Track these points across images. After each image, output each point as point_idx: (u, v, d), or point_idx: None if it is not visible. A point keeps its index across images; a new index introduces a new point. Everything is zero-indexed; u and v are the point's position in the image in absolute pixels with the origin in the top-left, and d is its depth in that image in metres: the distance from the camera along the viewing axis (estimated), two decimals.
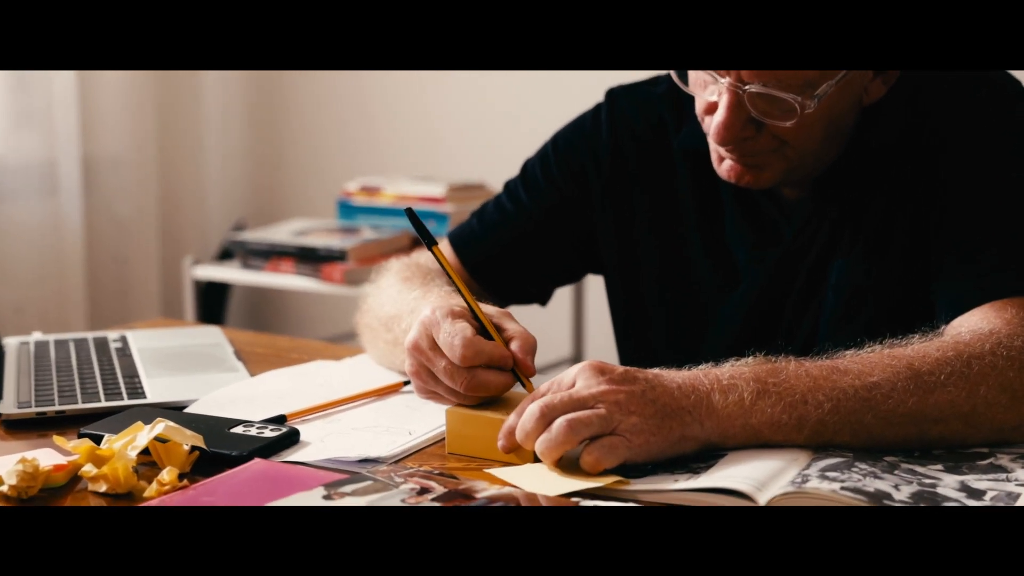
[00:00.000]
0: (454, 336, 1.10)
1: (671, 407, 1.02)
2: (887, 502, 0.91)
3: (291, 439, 1.13)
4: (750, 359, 1.09)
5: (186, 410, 1.24)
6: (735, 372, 1.06)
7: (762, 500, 0.93)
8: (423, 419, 1.20)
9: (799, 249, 1.34)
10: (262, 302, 3.72)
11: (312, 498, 0.93)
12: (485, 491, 0.96)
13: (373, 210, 2.81)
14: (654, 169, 1.44)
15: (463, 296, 1.16)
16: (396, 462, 1.08)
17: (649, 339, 1.48)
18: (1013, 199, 1.24)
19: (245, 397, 1.28)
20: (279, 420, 1.18)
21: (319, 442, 1.14)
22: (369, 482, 0.98)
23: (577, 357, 2.97)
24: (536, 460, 1.05)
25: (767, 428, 1.04)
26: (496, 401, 1.12)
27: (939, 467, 1.02)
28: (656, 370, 1.07)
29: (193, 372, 1.39)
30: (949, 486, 0.97)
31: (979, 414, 1.06)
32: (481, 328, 1.14)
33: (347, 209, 2.87)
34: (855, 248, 1.31)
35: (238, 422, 1.15)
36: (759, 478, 0.96)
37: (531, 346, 1.13)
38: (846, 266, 1.32)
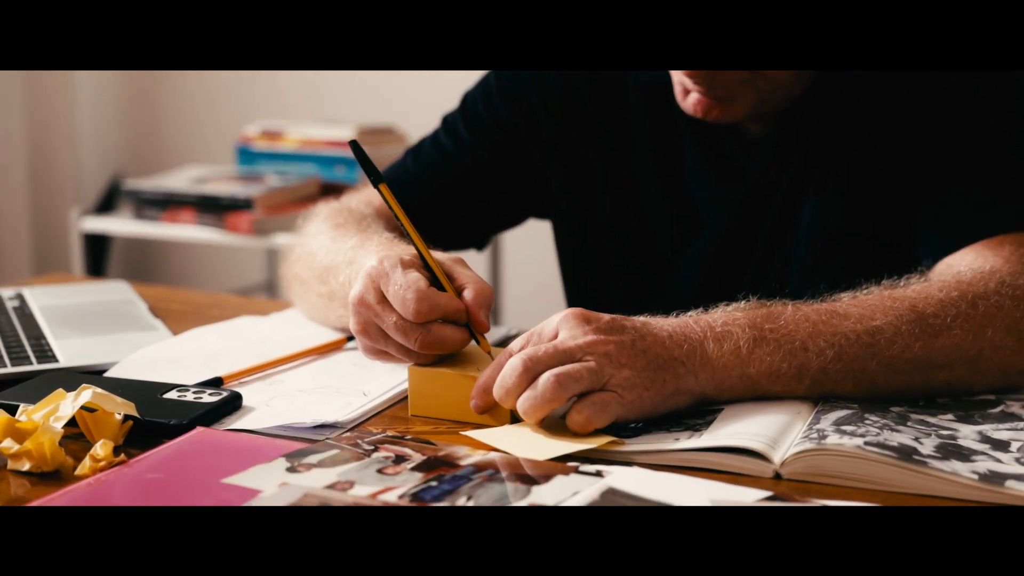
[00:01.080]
0: (406, 289, 1.00)
1: (663, 358, 0.95)
2: (916, 457, 0.85)
3: (233, 404, 1.02)
4: (743, 303, 1.02)
5: (106, 374, 1.13)
6: (728, 318, 0.99)
7: (777, 458, 0.87)
8: (375, 379, 1.11)
9: (765, 188, 1.28)
10: (144, 255, 3.56)
11: (274, 471, 0.84)
12: (468, 457, 0.87)
13: (276, 156, 2.68)
14: (608, 104, 1.36)
15: (413, 241, 1.07)
16: (355, 427, 0.99)
17: (602, 289, 1.41)
18: (1000, 132, 1.19)
19: (170, 359, 1.18)
20: (215, 383, 1.08)
21: (264, 407, 1.04)
22: (335, 451, 0.88)
23: (494, 317, 2.89)
24: (513, 420, 0.97)
25: (765, 379, 0.97)
26: (453, 357, 1.04)
27: (950, 416, 0.96)
28: (642, 318, 0.99)
29: (107, 332, 1.28)
30: (969, 437, 0.91)
31: (985, 358, 1.01)
32: (433, 278, 1.04)
33: (247, 155, 2.73)
34: (827, 186, 1.25)
35: (170, 386, 1.04)
36: (768, 435, 0.89)
37: (486, 298, 1.04)
38: (818, 206, 1.26)
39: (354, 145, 1.10)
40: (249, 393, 1.06)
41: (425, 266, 1.05)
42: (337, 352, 1.20)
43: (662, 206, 1.33)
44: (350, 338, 1.22)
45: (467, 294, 1.03)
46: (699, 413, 0.96)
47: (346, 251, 1.18)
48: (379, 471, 0.84)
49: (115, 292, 1.48)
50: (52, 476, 0.89)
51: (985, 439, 0.91)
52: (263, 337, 1.26)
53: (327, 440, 0.91)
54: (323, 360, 1.18)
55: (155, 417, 0.97)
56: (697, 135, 1.30)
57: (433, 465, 0.85)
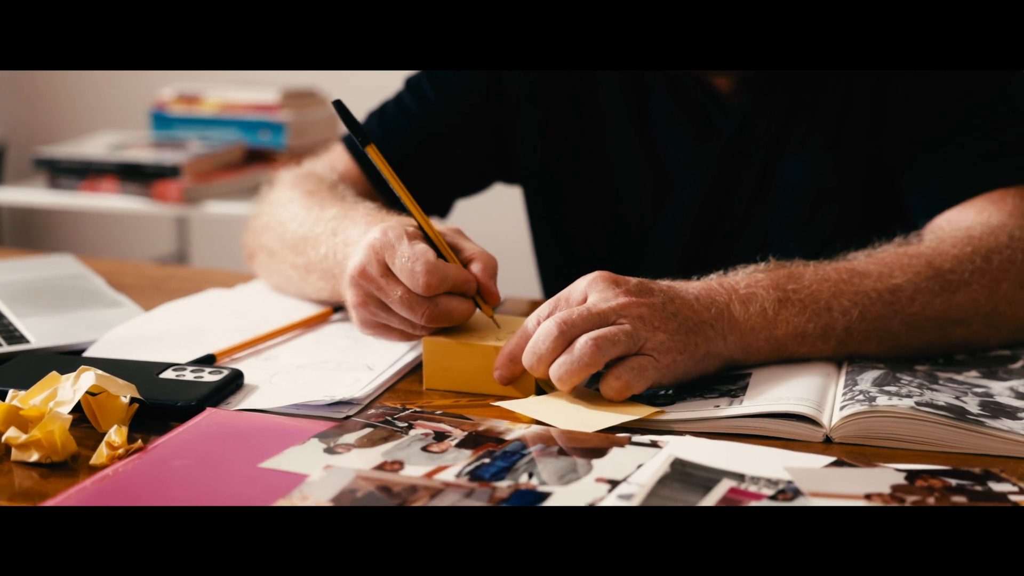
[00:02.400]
0: (415, 261, 0.95)
1: (693, 320, 0.92)
2: (970, 416, 0.84)
3: (235, 383, 0.97)
4: (762, 264, 1.00)
5: (85, 354, 1.06)
6: (751, 280, 0.97)
7: (826, 421, 0.85)
8: (375, 351, 1.06)
9: (742, 146, 1.25)
10: (33, 224, 3.43)
11: (312, 453, 0.79)
12: (511, 432, 0.84)
13: (195, 121, 2.59)
14: None
15: (409, 211, 1.02)
16: (371, 403, 0.94)
17: (577, 256, 1.38)
18: (993, 83, 1.18)
19: (151, 336, 1.12)
20: (208, 360, 1.03)
21: (267, 384, 0.99)
22: (368, 429, 0.84)
23: None
24: (538, 392, 0.94)
25: (792, 340, 0.96)
26: (456, 329, 0.99)
27: (974, 374, 0.96)
28: (666, 281, 0.97)
29: (72, 309, 1.21)
30: (1004, 394, 0.91)
31: (1000, 313, 1.02)
32: (436, 250, 1.00)
33: (163, 121, 2.63)
34: (811, 143, 1.23)
35: (165, 365, 0.99)
36: (812, 398, 0.88)
37: (494, 269, 1.00)
38: (803, 164, 1.24)
39: (338, 105, 1.04)
40: (246, 370, 1.00)
41: (425, 237, 1.00)
42: (325, 324, 1.15)
43: (634, 166, 1.30)
44: (336, 309, 1.17)
45: (475, 267, 0.99)
46: (729, 378, 0.94)
47: (327, 221, 1.13)
48: (424, 449, 0.80)
49: (62, 267, 1.41)
50: (61, 467, 0.83)
51: (1020, 395, 0.91)
52: (241, 310, 1.21)
53: (354, 418, 0.87)
54: (313, 333, 1.13)
55: (160, 399, 0.91)
56: (667, 89, 1.27)
57: (478, 441, 0.82)
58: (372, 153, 1.03)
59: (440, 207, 1.42)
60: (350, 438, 0.82)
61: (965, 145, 1.16)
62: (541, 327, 0.90)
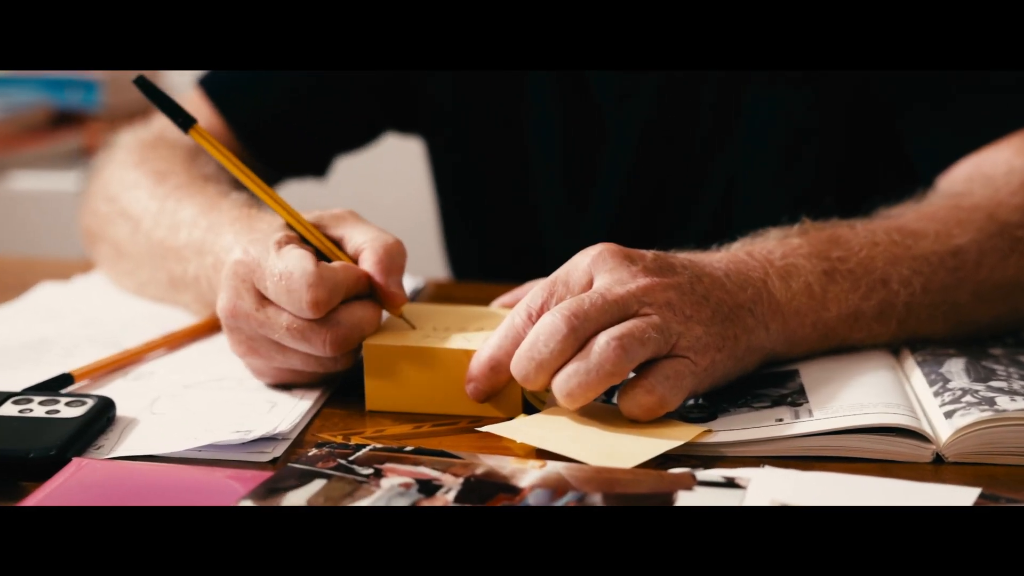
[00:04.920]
0: (288, 278, 0.72)
1: (728, 305, 0.74)
2: None
3: (105, 416, 0.74)
4: (795, 227, 0.82)
5: None
6: (787, 248, 0.79)
7: (931, 433, 0.67)
8: None
9: (689, 79, 1.07)
10: None
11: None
12: (524, 474, 0.63)
13: None
14: None
15: (276, 206, 0.79)
16: (300, 436, 0.72)
17: (491, 222, 1.20)
18: None
19: None
20: (62, 383, 0.79)
21: (147, 415, 0.76)
22: (320, 481, 0.62)
23: None
24: (527, 409, 0.73)
25: (844, 324, 0.79)
26: (389, 330, 0.78)
27: None
28: (684, 253, 0.77)
29: None
30: None
31: None
32: (317, 250, 0.78)
33: None
34: (779, 76, 1.06)
35: (3, 396, 0.75)
36: (900, 403, 0.70)
37: (391, 256, 0.77)
38: (773, 101, 1.06)
39: (141, 83, 0.81)
40: (112, 396, 0.76)
41: (302, 238, 0.78)
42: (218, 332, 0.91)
43: (562, 106, 1.11)
44: None
45: (365, 258, 0.77)
46: (772, 379, 0.76)
47: (188, 229, 0.89)
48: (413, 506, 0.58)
49: None
50: None
51: None
52: (94, 313, 0.96)
53: (291, 464, 0.65)
54: (199, 343, 0.89)
55: (4, 448, 0.68)
56: None
57: (484, 492, 0.60)
58: (198, 136, 0.80)
59: (318, 164, 1.22)
60: (298, 496, 0.60)
61: (987, 75, 1.00)
62: (541, 322, 0.69)
